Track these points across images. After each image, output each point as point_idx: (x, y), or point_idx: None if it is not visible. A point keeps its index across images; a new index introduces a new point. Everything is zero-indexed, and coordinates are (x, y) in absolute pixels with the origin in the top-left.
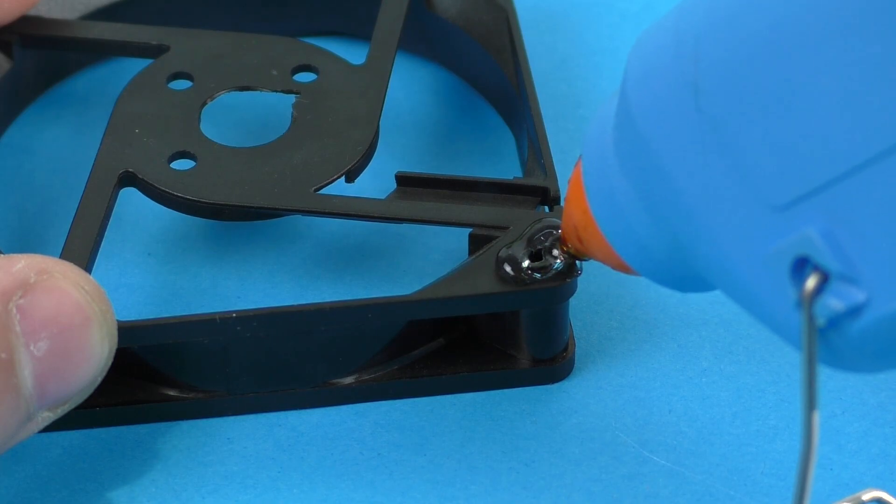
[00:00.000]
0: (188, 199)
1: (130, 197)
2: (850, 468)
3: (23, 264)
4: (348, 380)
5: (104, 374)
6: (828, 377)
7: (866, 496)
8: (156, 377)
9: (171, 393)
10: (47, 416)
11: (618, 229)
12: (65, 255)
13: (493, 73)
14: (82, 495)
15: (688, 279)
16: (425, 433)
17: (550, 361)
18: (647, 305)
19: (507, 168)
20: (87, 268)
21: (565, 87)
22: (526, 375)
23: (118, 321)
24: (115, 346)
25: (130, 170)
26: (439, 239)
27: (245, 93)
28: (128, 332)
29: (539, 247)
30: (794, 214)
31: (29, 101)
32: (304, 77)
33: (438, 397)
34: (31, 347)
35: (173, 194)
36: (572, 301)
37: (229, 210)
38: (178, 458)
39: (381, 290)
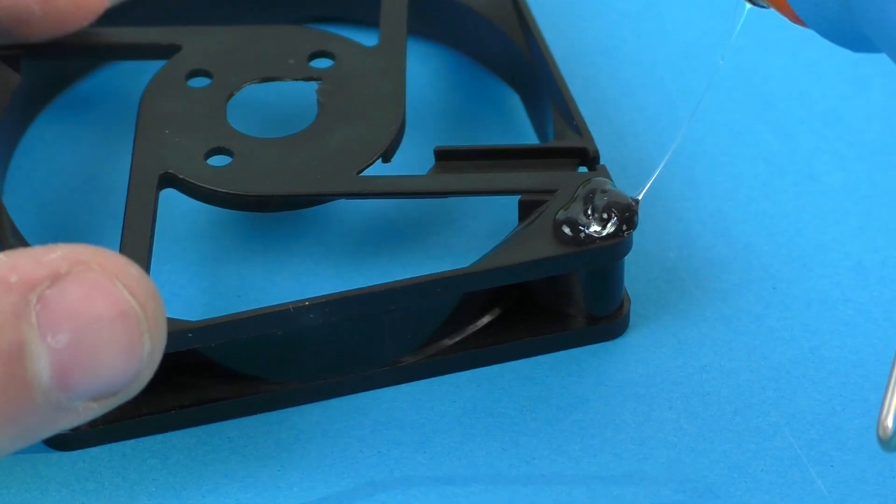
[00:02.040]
0: (232, 194)
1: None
2: (850, 465)
3: (59, 254)
4: (414, 357)
5: (152, 370)
6: (829, 373)
7: None
8: (222, 375)
9: (240, 389)
10: (91, 407)
11: None
12: None
13: (501, 44)
14: (82, 495)
15: (857, 38)
16: (426, 430)
17: (607, 319)
18: (647, 301)
19: (525, 137)
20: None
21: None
22: (583, 335)
23: (186, 321)
24: (161, 343)
25: (170, 171)
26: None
27: (267, 84)
28: (198, 332)
29: (596, 206)
30: None
31: (40, 108)
32: (322, 63)
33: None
34: (49, 339)
35: (217, 191)
36: None
37: (275, 201)
38: (178, 458)
39: (435, 267)
